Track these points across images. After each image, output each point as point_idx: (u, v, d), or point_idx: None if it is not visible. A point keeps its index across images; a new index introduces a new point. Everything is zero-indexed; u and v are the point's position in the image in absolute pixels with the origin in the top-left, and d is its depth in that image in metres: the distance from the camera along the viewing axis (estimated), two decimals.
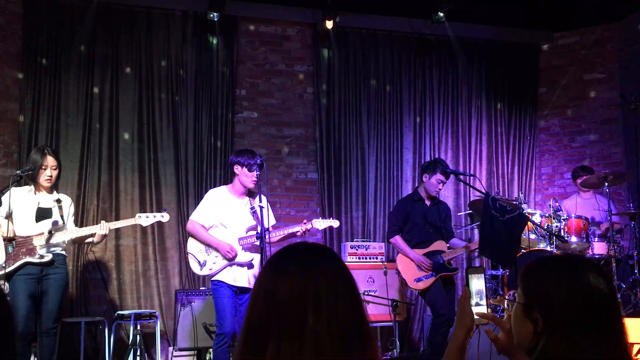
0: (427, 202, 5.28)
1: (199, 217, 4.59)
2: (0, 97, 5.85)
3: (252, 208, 4.59)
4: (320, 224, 4.71)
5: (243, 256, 4.50)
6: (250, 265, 4.53)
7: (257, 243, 4.46)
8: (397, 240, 5.21)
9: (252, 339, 1.18)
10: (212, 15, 6.34)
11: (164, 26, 6.39)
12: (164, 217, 4.65)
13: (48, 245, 4.35)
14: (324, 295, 1.17)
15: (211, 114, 6.45)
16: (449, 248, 5.19)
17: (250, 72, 6.78)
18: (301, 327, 1.14)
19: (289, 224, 5.04)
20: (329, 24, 6.66)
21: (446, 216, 5.36)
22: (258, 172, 4.48)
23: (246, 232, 4.57)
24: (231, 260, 4.45)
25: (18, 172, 4.37)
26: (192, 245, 4.58)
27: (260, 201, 4.41)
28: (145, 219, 4.59)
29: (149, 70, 6.31)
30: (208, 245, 4.52)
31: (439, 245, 5.16)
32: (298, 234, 4.63)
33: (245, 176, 4.52)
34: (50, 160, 4.42)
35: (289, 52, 6.94)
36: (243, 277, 4.49)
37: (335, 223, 4.81)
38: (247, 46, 6.80)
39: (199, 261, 4.51)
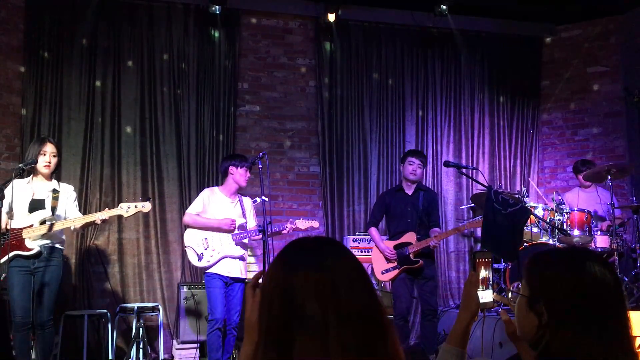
0: (409, 192, 5.37)
1: (194, 210, 5.00)
2: (3, 90, 5.85)
3: (255, 201, 5.04)
4: (302, 224, 5.06)
5: (236, 250, 4.91)
6: (241, 258, 4.97)
7: (245, 240, 5.02)
8: (372, 231, 5.49)
9: (275, 337, 1.15)
10: (213, 9, 6.32)
11: (165, 19, 6.38)
12: (145, 207, 4.60)
13: (40, 237, 4.35)
14: (342, 289, 1.15)
15: (213, 107, 6.44)
16: (419, 239, 5.22)
17: (252, 66, 6.77)
18: (324, 324, 1.12)
19: (291, 218, 5.19)
20: (331, 17, 6.64)
21: (430, 204, 5.38)
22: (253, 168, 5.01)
23: (237, 229, 4.97)
24: (232, 232, 4.89)
25: (21, 165, 4.37)
26: (191, 238, 4.94)
27: (242, 200, 5.03)
28: (127, 209, 4.54)
29: (151, 63, 6.30)
30: (209, 227, 4.90)
31: (408, 237, 5.27)
32: (284, 232, 4.98)
33: (240, 175, 4.97)
34: (49, 147, 4.47)
35: (291, 46, 6.92)
36: (235, 269, 4.91)
37: (315, 224, 5.14)
38: (249, 39, 6.78)
39: (197, 253, 4.89)
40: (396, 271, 5.22)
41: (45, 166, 4.44)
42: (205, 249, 4.87)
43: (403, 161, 5.46)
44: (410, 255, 5.17)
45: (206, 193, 5.08)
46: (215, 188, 5.16)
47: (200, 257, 4.87)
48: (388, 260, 5.26)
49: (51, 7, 6.03)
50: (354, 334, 1.12)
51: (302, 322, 1.13)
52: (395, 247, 5.26)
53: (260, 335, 1.19)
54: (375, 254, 5.40)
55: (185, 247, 5.02)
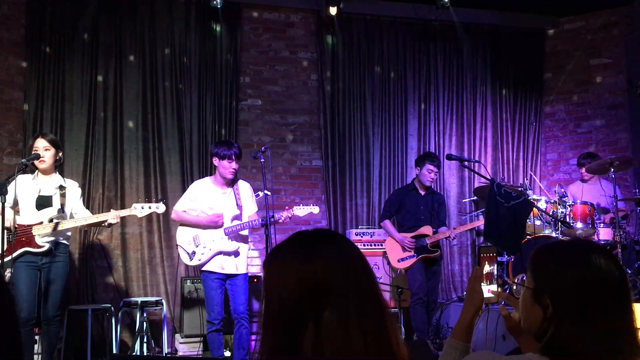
0: (422, 192, 5.72)
1: (181, 207, 4.81)
2: (5, 86, 5.85)
3: (257, 195, 4.84)
4: (301, 211, 4.80)
5: (229, 245, 4.68)
6: (236, 254, 4.71)
7: (244, 232, 4.76)
8: (386, 224, 5.76)
9: (288, 324, 1.17)
10: (215, 2, 6.29)
11: (167, 14, 6.36)
12: (159, 208, 4.62)
13: (48, 234, 4.36)
14: (362, 275, 1.20)
15: (215, 101, 6.44)
16: (434, 233, 5.61)
17: (253, 60, 6.75)
18: (346, 305, 1.15)
19: (287, 206, 5.12)
20: (333, 10, 6.61)
21: (439, 206, 5.81)
22: (237, 161, 4.69)
23: (231, 222, 4.72)
24: (221, 224, 4.65)
25: (23, 160, 4.38)
26: (181, 237, 4.77)
27: (238, 188, 4.71)
28: (141, 210, 4.56)
29: (153, 58, 6.29)
30: (197, 224, 4.70)
31: (425, 230, 5.63)
32: (280, 220, 4.72)
33: (223, 168, 4.68)
34: (40, 142, 4.47)
35: (292, 39, 6.90)
36: (230, 265, 4.68)
37: (315, 209, 4.90)
38: (250, 33, 6.77)
39: (187, 252, 4.72)
40: (414, 259, 5.53)
41: (40, 162, 4.44)
42: (197, 246, 4.68)
43: (420, 165, 5.68)
44: (428, 246, 5.55)
45: (196, 186, 4.87)
46: (207, 179, 4.92)
47: (191, 256, 4.68)
48: (404, 249, 5.54)
49: (52, 2, 6.02)
50: (373, 311, 1.17)
51: (321, 304, 1.15)
52: (412, 238, 5.59)
53: (267, 324, 1.20)
54: (390, 244, 5.67)
55: (176, 246, 4.86)
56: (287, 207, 4.80)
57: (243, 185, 4.89)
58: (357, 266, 1.22)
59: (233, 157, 4.63)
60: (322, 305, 1.15)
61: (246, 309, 4.64)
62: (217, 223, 4.65)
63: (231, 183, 4.82)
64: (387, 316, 1.20)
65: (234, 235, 4.72)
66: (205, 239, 4.69)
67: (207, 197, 4.75)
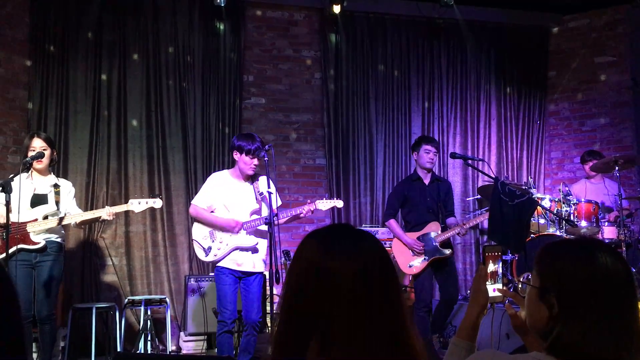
0: (426, 181, 5.31)
1: (200, 201, 4.57)
2: (9, 84, 5.87)
3: (262, 194, 4.53)
4: (324, 204, 4.64)
5: (247, 240, 4.47)
6: (254, 250, 4.50)
7: (263, 228, 4.45)
8: (392, 223, 5.30)
9: (301, 317, 1.17)
10: (218, 1, 6.29)
11: (170, 12, 6.36)
12: (156, 202, 4.56)
13: (43, 231, 4.36)
14: (378, 274, 1.19)
15: (219, 100, 6.44)
16: (443, 229, 5.19)
17: (257, 58, 6.75)
18: (359, 305, 1.15)
19: (296, 209, 5.02)
20: (337, 9, 6.60)
21: (446, 194, 5.36)
22: (260, 158, 4.40)
23: (250, 216, 4.54)
24: (237, 233, 4.44)
25: (27, 159, 4.38)
26: (197, 232, 4.57)
27: (269, 186, 4.37)
28: (138, 205, 4.51)
29: (156, 56, 6.29)
30: (212, 225, 4.49)
31: (432, 227, 5.20)
32: (302, 215, 4.58)
33: (244, 163, 4.45)
34: (37, 141, 4.45)
35: (296, 37, 6.90)
36: (247, 262, 4.47)
37: (339, 203, 4.75)
38: (254, 31, 6.76)
39: (203, 248, 4.50)
40: (425, 263, 5.08)
41: (36, 162, 4.43)
42: (213, 241, 4.46)
43: (417, 149, 5.31)
44: (438, 245, 5.12)
45: (213, 178, 4.62)
46: (225, 172, 4.68)
47: (207, 252, 4.45)
48: (414, 252, 5.12)
49: (56, 1, 6.03)
50: (386, 315, 1.17)
51: (336, 301, 1.15)
52: (418, 238, 5.18)
53: (282, 315, 1.20)
54: (397, 247, 5.23)
55: (192, 240, 4.66)
56: (309, 201, 4.62)
57: (262, 180, 4.56)
58: (383, 268, 1.21)
59: (254, 152, 4.39)
60: (340, 304, 1.15)
61: (259, 317, 4.42)
62: (233, 230, 4.44)
63: (251, 178, 4.60)
64: (407, 318, 1.20)
65: (253, 230, 4.50)
66: (222, 235, 4.47)
67: (225, 191, 4.52)
